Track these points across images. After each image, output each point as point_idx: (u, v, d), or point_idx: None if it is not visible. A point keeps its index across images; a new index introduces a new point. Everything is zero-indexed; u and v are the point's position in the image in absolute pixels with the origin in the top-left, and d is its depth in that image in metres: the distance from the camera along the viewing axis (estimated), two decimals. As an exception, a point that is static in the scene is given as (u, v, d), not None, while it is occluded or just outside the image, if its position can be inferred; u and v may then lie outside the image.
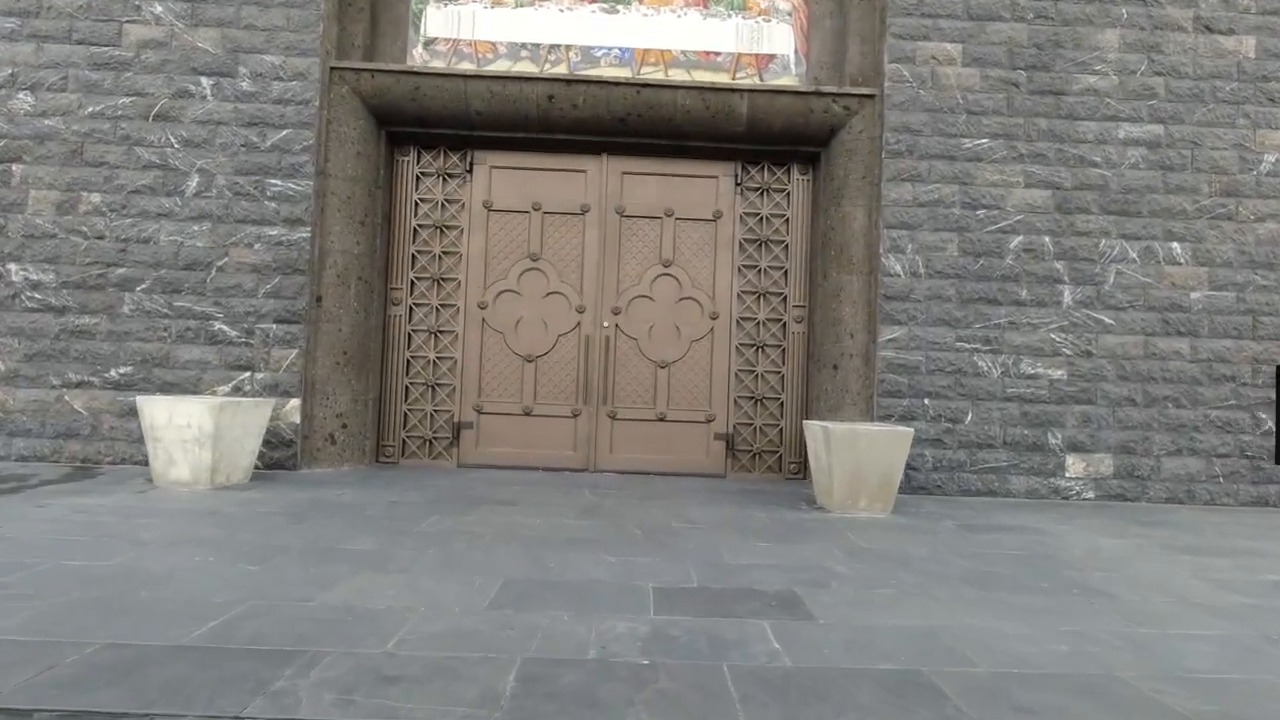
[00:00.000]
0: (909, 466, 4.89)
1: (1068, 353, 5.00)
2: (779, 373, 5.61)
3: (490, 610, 2.21)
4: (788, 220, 5.66)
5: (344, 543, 2.97)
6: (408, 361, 5.53)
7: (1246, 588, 2.81)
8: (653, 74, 5.49)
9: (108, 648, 1.81)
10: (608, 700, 1.62)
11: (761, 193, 5.66)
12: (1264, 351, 5.03)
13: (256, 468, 4.80)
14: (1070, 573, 2.93)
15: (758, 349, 5.61)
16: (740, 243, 5.64)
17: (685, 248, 5.64)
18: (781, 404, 5.59)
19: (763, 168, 5.66)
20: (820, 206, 5.50)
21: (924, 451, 4.92)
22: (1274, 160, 5.09)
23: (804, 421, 4.55)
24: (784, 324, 5.62)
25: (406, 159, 5.58)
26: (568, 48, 5.51)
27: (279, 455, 4.85)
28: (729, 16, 5.57)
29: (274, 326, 4.89)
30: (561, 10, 5.52)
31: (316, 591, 2.32)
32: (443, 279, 5.56)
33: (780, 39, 5.58)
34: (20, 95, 4.88)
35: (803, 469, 5.52)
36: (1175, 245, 5.06)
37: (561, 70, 5.46)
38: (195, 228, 4.90)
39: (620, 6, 5.54)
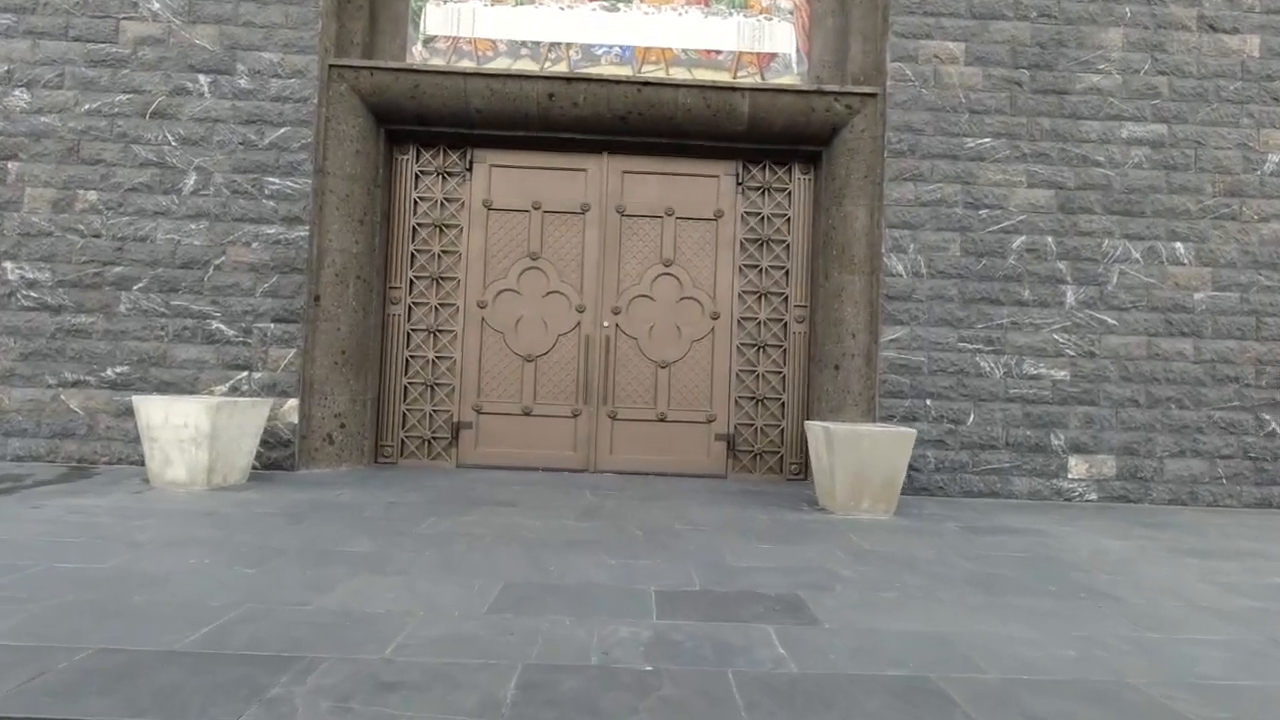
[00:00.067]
0: (911, 467, 4.86)
1: (1070, 353, 4.97)
2: (780, 373, 5.57)
3: (490, 614, 2.18)
4: (789, 220, 5.63)
5: (342, 545, 2.94)
6: (407, 361, 5.49)
7: (1254, 591, 2.79)
8: (654, 72, 5.46)
9: (100, 653, 1.77)
10: (610, 709, 1.59)
11: (763, 192, 5.63)
12: (1268, 352, 5.01)
13: (254, 468, 4.76)
14: (1076, 575, 2.90)
15: (759, 349, 5.58)
16: (741, 242, 5.61)
17: (686, 247, 5.60)
18: (783, 404, 5.56)
19: (764, 167, 5.63)
20: (822, 206, 5.47)
21: (926, 452, 4.89)
22: (1278, 160, 5.06)
23: (805, 422, 4.52)
24: (785, 324, 5.59)
25: (406, 157, 5.54)
26: (568, 46, 5.47)
27: (277, 455, 4.81)
28: (730, 15, 5.53)
29: (272, 326, 4.85)
30: (562, 8, 5.49)
31: (313, 595, 2.29)
32: (442, 278, 5.53)
33: (782, 37, 5.55)
34: (16, 92, 4.84)
35: (804, 470, 5.49)
36: (1179, 245, 5.03)
37: (562, 68, 5.43)
38: (193, 226, 4.86)
39: (621, 5, 5.50)
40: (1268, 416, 4.98)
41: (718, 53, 5.52)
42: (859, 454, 4.01)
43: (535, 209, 5.56)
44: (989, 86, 5.03)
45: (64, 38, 4.87)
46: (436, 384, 5.49)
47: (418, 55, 5.45)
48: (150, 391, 4.78)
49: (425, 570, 2.62)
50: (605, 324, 5.52)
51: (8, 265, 4.79)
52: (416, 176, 5.55)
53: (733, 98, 5.16)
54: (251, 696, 1.57)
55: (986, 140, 5.01)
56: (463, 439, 5.46)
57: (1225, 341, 5.00)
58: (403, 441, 5.47)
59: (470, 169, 5.55)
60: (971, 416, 4.92)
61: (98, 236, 4.83)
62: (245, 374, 4.83)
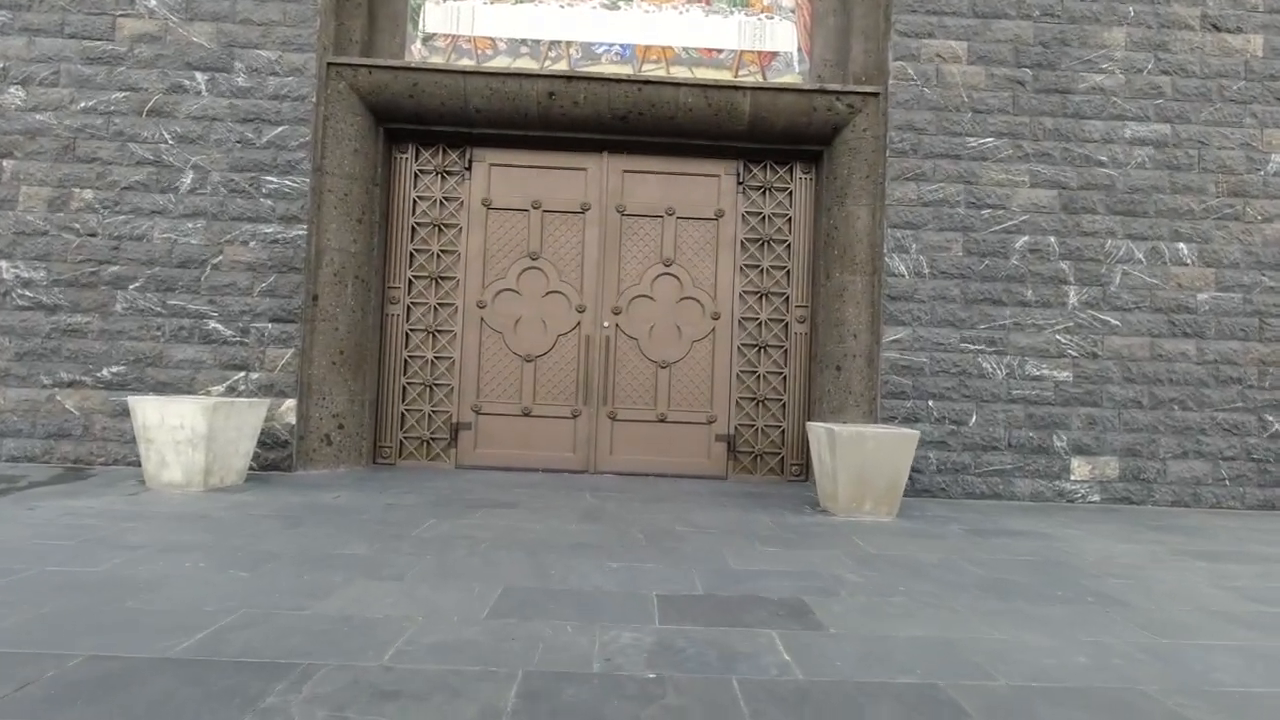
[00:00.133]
0: (913, 469, 4.83)
1: (1073, 354, 4.94)
2: (781, 374, 5.54)
3: (490, 619, 2.14)
4: (790, 219, 5.60)
5: (339, 548, 2.90)
6: (405, 361, 5.45)
7: (1267, 595, 2.75)
8: (654, 71, 5.42)
9: (91, 660, 1.73)
10: (613, 718, 1.55)
11: (764, 191, 5.60)
12: (1271, 353, 4.98)
13: (251, 469, 4.72)
14: (1085, 580, 2.87)
15: (759, 349, 5.54)
16: (742, 242, 5.57)
17: (686, 247, 5.57)
18: (783, 405, 5.52)
19: (765, 166, 5.60)
20: (823, 205, 5.43)
21: (928, 454, 4.86)
22: (1282, 160, 5.03)
23: (807, 423, 4.48)
24: (786, 324, 5.56)
25: (405, 156, 5.50)
26: (568, 44, 5.44)
27: (274, 456, 4.77)
28: (731, 13, 5.50)
29: (269, 326, 4.81)
30: (562, 6, 5.45)
31: (310, 600, 2.25)
32: (441, 278, 5.49)
33: (783, 36, 5.52)
34: (11, 90, 4.80)
35: (805, 471, 5.46)
36: (1182, 246, 5.00)
37: (562, 67, 5.39)
38: (189, 225, 4.82)
39: (621, 3, 5.47)
40: (1271, 418, 4.95)
41: (719, 51, 5.48)
42: (862, 456, 3.97)
43: (535, 208, 5.52)
44: (991, 86, 5.00)
45: (60, 34, 4.83)
46: (435, 384, 5.44)
47: (417, 53, 5.41)
48: (146, 392, 4.74)
49: (424, 574, 2.58)
50: (605, 324, 5.48)
51: (2, 264, 4.75)
52: (415, 175, 5.51)
53: (734, 97, 5.12)
54: (246, 706, 1.53)
55: (989, 140, 4.98)
56: (462, 440, 5.42)
57: (1228, 342, 4.97)
58: (401, 442, 5.42)
59: (469, 168, 5.51)
60: (974, 417, 4.89)
61: (94, 235, 4.78)
62: (242, 374, 4.79)
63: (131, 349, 4.76)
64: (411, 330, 5.46)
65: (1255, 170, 5.03)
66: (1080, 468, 4.90)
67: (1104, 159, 5.00)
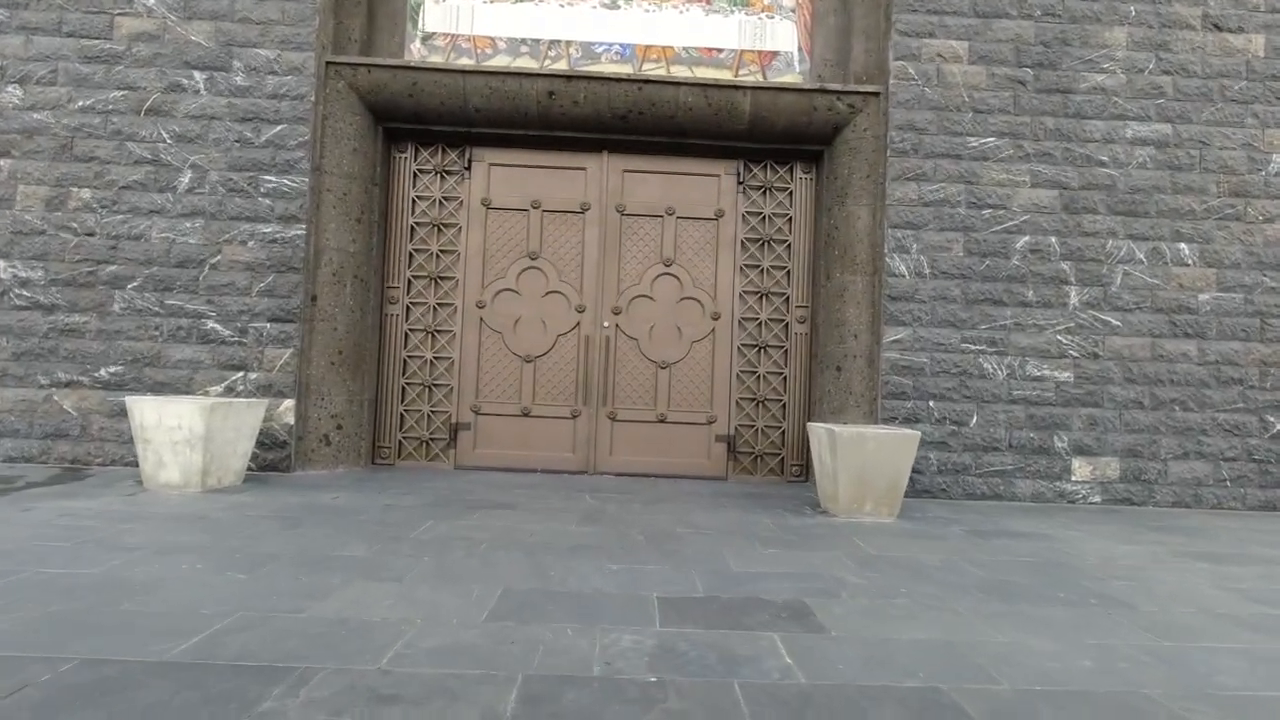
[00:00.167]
0: (913, 470, 4.81)
1: (1074, 355, 4.92)
2: (781, 374, 5.52)
3: (489, 622, 2.12)
4: (790, 219, 5.58)
5: (337, 549, 2.88)
6: (404, 361, 5.43)
7: (1269, 597, 2.74)
8: (654, 71, 5.40)
9: (85, 664, 1.71)
10: (615, 722, 1.54)
11: (764, 191, 5.58)
12: (1272, 354, 4.97)
13: (249, 470, 4.70)
14: (1087, 582, 2.85)
15: (760, 350, 5.53)
16: (742, 242, 5.56)
17: (686, 247, 5.55)
18: (784, 406, 5.51)
19: (765, 166, 5.58)
20: (824, 205, 5.42)
21: (928, 454, 4.85)
22: (1283, 160, 5.02)
23: (808, 424, 4.46)
24: (786, 324, 5.54)
25: (404, 155, 5.48)
26: (568, 44, 5.42)
27: (272, 457, 4.75)
28: (732, 13, 5.48)
29: (268, 325, 4.79)
30: (562, 5, 5.43)
31: (308, 602, 2.23)
32: (440, 278, 5.47)
33: (783, 36, 5.50)
34: (9, 88, 4.77)
35: (805, 472, 5.44)
36: (1183, 246, 4.99)
37: (562, 66, 5.37)
38: (188, 224, 4.80)
39: (622, 2, 5.45)
40: (1272, 418, 4.94)
41: (719, 51, 5.47)
42: (862, 457, 3.96)
43: (534, 208, 5.50)
44: (992, 85, 4.98)
45: (57, 33, 4.81)
46: (434, 384, 5.43)
47: (416, 53, 5.39)
48: (144, 392, 4.72)
49: (423, 576, 2.56)
50: (605, 324, 5.47)
51: (0, 264, 4.73)
52: (415, 175, 5.50)
53: (734, 96, 5.11)
54: (242, 711, 1.52)
55: (990, 140, 4.96)
56: (461, 440, 5.40)
57: (1229, 343, 4.96)
58: (400, 443, 5.41)
59: (469, 167, 5.49)
60: (974, 418, 4.87)
61: (91, 235, 4.76)
62: (241, 374, 4.77)
63: (129, 349, 4.74)
64: (410, 330, 5.45)
65: (1256, 170, 5.02)
66: (1081, 468, 4.89)
67: (1105, 159, 4.98)
